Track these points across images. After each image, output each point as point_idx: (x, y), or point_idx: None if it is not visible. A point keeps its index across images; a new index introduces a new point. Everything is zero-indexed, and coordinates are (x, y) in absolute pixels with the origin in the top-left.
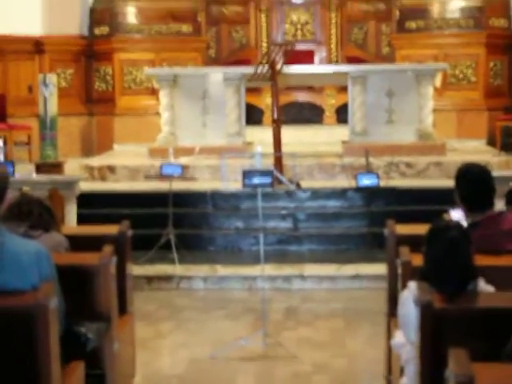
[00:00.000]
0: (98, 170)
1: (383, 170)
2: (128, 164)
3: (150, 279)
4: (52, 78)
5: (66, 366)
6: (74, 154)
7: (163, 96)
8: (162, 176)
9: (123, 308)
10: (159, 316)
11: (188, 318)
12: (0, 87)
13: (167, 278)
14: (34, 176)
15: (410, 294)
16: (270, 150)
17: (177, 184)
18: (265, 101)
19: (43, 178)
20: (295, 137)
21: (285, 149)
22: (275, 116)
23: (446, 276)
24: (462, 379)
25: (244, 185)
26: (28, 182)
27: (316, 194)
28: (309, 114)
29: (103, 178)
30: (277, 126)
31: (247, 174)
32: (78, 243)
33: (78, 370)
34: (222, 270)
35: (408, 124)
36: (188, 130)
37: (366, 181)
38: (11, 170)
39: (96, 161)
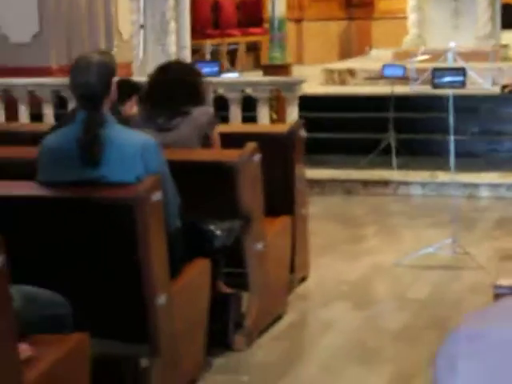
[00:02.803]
0: (338, 73)
1: None
2: (368, 68)
3: (365, 183)
4: None
5: (189, 263)
6: (332, 59)
7: None
8: (383, 77)
9: (289, 209)
10: (364, 221)
11: (392, 225)
12: None
13: (384, 183)
14: (255, 77)
15: None
16: None
17: (399, 87)
18: None
19: (264, 79)
20: None
21: None
22: None
23: None
24: None
25: (433, 84)
26: (249, 83)
27: None
28: None
29: (343, 82)
30: None
31: (437, 73)
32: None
33: (201, 266)
34: (442, 176)
35: None
36: (437, 33)
37: None
38: (215, 70)
39: (339, 65)
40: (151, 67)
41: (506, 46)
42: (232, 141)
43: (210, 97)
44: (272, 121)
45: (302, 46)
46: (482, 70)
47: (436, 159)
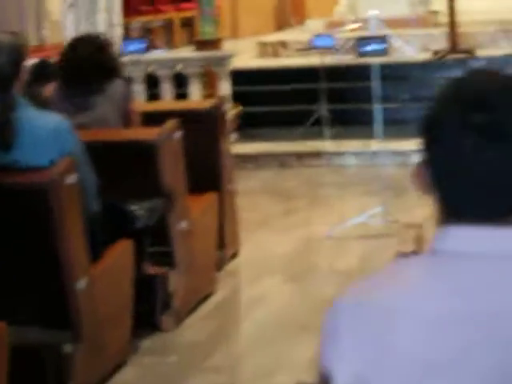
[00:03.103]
0: (271, 46)
1: None
2: (301, 40)
3: (299, 156)
4: None
5: (112, 245)
6: (268, 31)
7: None
8: (313, 48)
9: (216, 185)
10: (297, 193)
11: (325, 196)
12: None
13: (317, 155)
14: (185, 53)
15: None
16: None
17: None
18: None
19: (194, 54)
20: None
21: (478, 17)
22: None
23: None
24: None
25: (357, 53)
26: (179, 59)
27: (492, 61)
28: None
29: (275, 55)
30: None
31: (360, 42)
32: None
33: (124, 247)
34: (374, 145)
35: None
36: (369, 1)
37: None
38: (143, 47)
39: (272, 37)
40: None
41: (436, 12)
42: (154, 118)
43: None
44: (205, 96)
45: (238, 19)
46: (413, 37)
47: (369, 128)
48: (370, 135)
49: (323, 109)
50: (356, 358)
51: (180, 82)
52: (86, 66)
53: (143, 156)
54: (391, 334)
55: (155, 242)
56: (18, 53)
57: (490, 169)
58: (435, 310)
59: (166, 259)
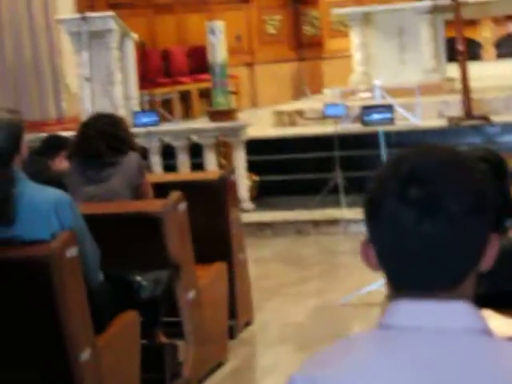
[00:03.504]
0: (287, 115)
1: None
2: (318, 108)
3: (316, 223)
4: (219, 26)
5: (118, 316)
6: (286, 100)
7: (354, 35)
8: (324, 117)
9: (225, 255)
10: (312, 261)
11: (339, 263)
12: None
13: (334, 222)
14: (199, 124)
15: None
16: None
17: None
18: (482, 34)
19: (208, 125)
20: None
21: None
22: (459, 48)
23: None
24: None
25: (362, 122)
26: (194, 130)
27: (507, 128)
28: None
29: (292, 123)
30: (462, 58)
31: (366, 111)
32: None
33: (129, 318)
34: None
35: None
36: (384, 69)
37: None
38: (154, 120)
39: (288, 106)
40: None
41: (452, 79)
42: (163, 190)
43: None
44: (221, 166)
45: (256, 89)
46: (428, 104)
47: None
48: None
49: (338, 176)
50: None
51: (196, 152)
52: (99, 141)
53: (149, 228)
54: None
55: (165, 313)
56: (16, 128)
57: (428, 242)
58: None
59: (176, 329)
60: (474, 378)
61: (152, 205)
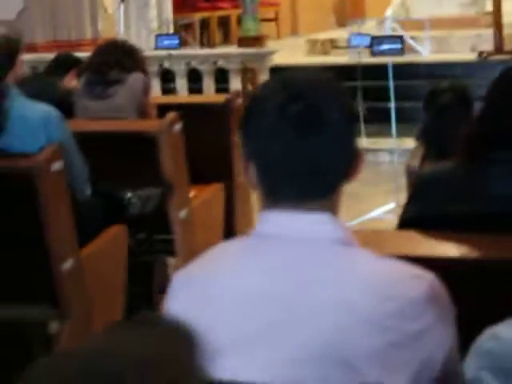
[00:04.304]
0: (321, 43)
1: None
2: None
3: None
4: None
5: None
6: (327, 28)
7: None
8: (349, 47)
9: (226, 177)
10: None
11: (350, 192)
12: None
13: None
14: (225, 50)
15: None
16: None
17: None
18: None
19: (234, 51)
20: None
21: None
22: None
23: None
24: None
25: (372, 52)
26: (220, 54)
27: None
28: None
29: (325, 52)
30: None
31: (375, 41)
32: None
33: (116, 232)
34: (409, 143)
35: None
36: (421, 1)
37: None
38: (176, 43)
39: (322, 35)
40: (134, 42)
41: (489, 14)
42: (172, 111)
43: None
44: (248, 92)
45: (297, 16)
46: (462, 38)
47: (405, 126)
48: (404, 133)
49: (360, 106)
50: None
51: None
52: (111, 55)
53: (144, 147)
54: (208, 306)
55: (156, 230)
56: (13, 45)
57: (307, 153)
58: (244, 288)
59: (167, 247)
60: (329, 283)
61: (147, 124)
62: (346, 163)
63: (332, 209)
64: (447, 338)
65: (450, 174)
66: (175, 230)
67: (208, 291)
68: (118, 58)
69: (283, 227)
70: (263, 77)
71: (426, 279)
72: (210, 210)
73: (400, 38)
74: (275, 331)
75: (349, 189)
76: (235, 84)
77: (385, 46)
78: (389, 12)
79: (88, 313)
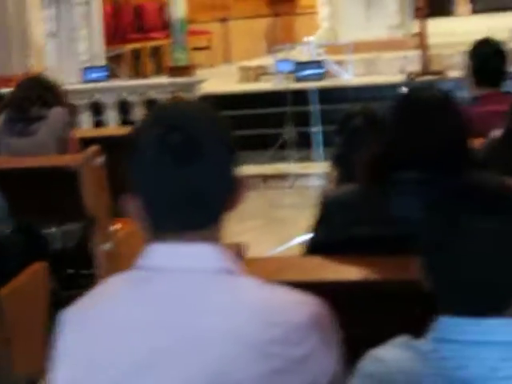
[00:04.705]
0: (252, 70)
1: None
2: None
3: (265, 178)
4: None
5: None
6: (260, 54)
7: None
8: (276, 73)
9: None
10: (255, 214)
11: (279, 217)
12: None
13: (283, 177)
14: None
15: None
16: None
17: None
18: None
19: (164, 80)
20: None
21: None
22: (419, 4)
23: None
24: None
25: (295, 78)
26: (150, 85)
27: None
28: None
29: (257, 79)
30: (421, 14)
31: (298, 67)
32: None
33: (37, 269)
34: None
35: None
36: (350, 25)
37: None
38: (104, 75)
39: (254, 62)
40: (65, 75)
41: (416, 35)
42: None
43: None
44: None
45: (230, 44)
46: (391, 60)
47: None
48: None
49: (289, 132)
50: (71, 361)
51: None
52: (31, 91)
53: (66, 181)
54: (95, 340)
55: (79, 265)
56: None
57: (187, 184)
58: (128, 320)
59: (91, 281)
60: (213, 312)
61: (68, 159)
62: (227, 192)
63: (215, 238)
64: (332, 362)
65: (353, 197)
66: (99, 263)
67: (94, 325)
68: (39, 94)
69: (165, 259)
70: None
71: (310, 304)
72: (135, 241)
73: (322, 63)
74: (161, 361)
75: (278, 214)
76: None
77: (307, 72)
78: (314, 37)
79: (8, 352)
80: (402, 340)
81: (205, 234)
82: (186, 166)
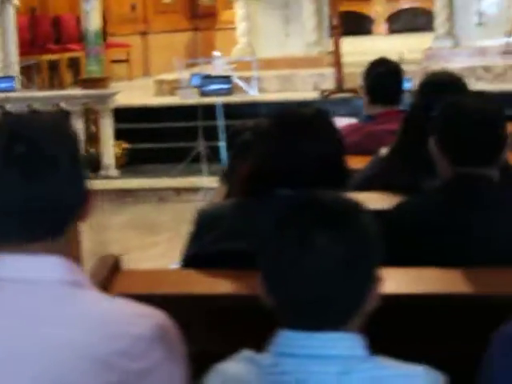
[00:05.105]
0: (167, 84)
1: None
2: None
3: (178, 191)
4: None
5: None
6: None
7: (239, 6)
8: (189, 87)
9: None
10: (165, 227)
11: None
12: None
13: (195, 190)
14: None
15: None
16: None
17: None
18: (374, 8)
19: (77, 92)
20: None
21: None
22: (334, 23)
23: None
24: None
25: (201, 92)
26: (63, 96)
27: None
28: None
29: (172, 93)
30: (336, 32)
31: (205, 81)
32: None
33: None
34: None
35: None
36: (268, 41)
37: None
38: (12, 85)
39: (171, 75)
40: None
41: (332, 53)
42: None
43: None
44: (91, 133)
45: (149, 58)
46: (306, 77)
47: None
48: None
49: (201, 146)
50: None
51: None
52: None
53: None
54: None
55: None
56: None
57: (31, 197)
58: None
59: None
60: (53, 323)
61: None
62: (76, 205)
63: (62, 250)
64: (176, 376)
65: (226, 211)
66: None
67: None
68: None
69: (8, 271)
70: (106, 118)
71: (153, 317)
72: None
73: (230, 78)
74: None
75: (189, 227)
76: (77, 125)
77: (214, 86)
78: (232, 52)
79: None
80: (245, 354)
81: (51, 245)
82: (30, 178)
